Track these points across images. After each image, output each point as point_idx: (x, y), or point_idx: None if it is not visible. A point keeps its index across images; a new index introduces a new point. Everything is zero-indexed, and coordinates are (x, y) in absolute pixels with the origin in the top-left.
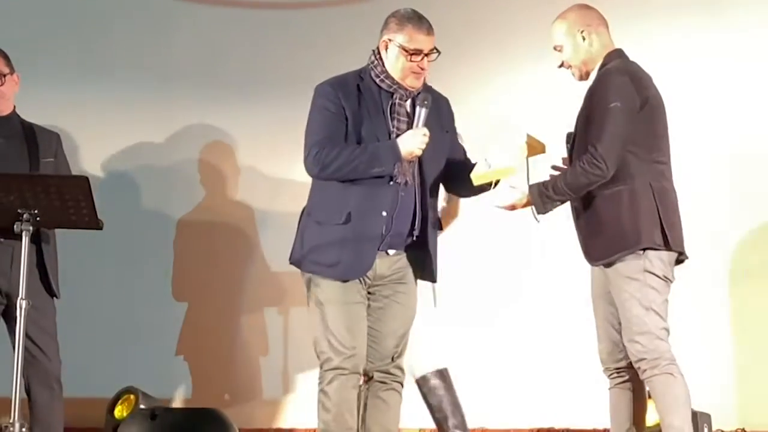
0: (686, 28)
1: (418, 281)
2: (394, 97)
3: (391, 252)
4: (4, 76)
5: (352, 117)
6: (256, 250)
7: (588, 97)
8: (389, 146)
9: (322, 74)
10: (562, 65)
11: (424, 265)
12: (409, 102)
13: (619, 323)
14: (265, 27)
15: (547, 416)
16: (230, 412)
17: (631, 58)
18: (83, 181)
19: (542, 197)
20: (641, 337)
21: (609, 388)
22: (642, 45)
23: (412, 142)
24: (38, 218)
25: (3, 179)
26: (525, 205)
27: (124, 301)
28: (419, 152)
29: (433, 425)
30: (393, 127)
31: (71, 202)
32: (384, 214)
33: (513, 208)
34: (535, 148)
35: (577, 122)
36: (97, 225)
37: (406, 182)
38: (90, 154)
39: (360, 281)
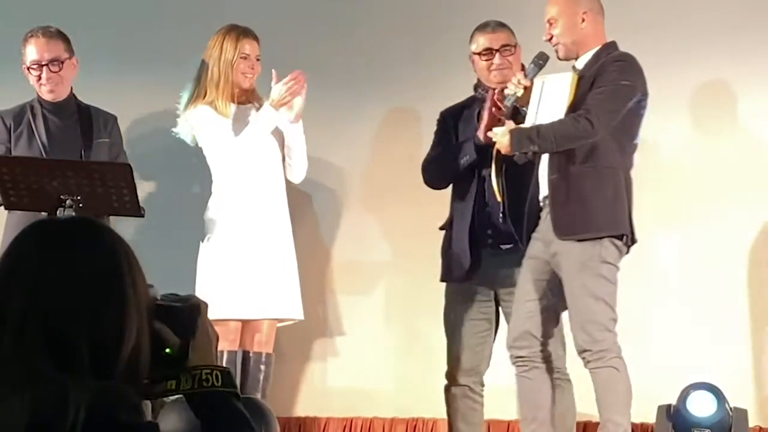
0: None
1: None
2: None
3: (504, 247)
4: (63, 61)
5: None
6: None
7: (595, 74)
8: (471, 134)
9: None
10: (550, 39)
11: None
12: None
13: (541, 314)
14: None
15: (586, 408)
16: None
17: None
18: (126, 168)
19: (521, 136)
20: (590, 326)
21: (516, 374)
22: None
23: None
24: (81, 204)
25: (46, 165)
26: (503, 143)
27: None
28: (495, 139)
29: None
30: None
31: (114, 189)
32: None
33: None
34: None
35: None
36: (138, 212)
37: (490, 174)
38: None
39: (482, 292)
